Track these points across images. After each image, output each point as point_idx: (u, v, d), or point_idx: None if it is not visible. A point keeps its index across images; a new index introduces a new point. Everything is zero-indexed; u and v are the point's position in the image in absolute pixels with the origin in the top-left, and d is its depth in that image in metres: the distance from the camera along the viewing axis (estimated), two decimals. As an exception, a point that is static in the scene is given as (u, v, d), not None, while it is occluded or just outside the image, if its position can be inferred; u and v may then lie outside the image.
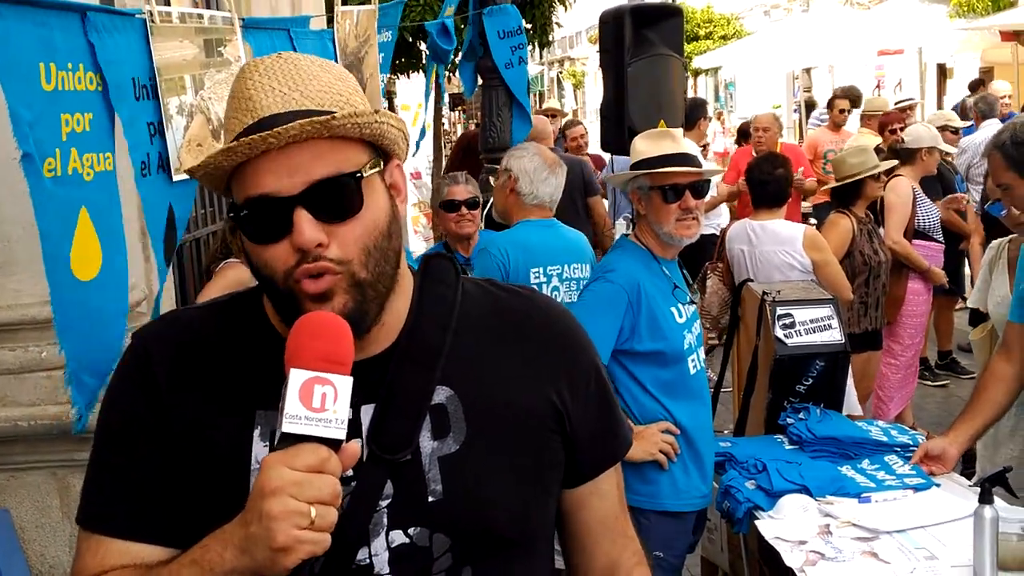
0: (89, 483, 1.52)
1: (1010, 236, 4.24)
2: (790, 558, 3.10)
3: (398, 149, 1.51)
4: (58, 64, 2.46)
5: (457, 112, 20.96)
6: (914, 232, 6.68)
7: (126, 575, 1.42)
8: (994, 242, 4.23)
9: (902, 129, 8.50)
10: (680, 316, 3.62)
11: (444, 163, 12.76)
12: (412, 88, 12.11)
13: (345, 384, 1.29)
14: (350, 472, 1.39)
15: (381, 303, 1.45)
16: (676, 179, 3.55)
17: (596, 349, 1.71)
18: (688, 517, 3.67)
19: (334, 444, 1.27)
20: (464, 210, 5.04)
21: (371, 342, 1.48)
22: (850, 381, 4.89)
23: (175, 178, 3.03)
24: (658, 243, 3.64)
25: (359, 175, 1.40)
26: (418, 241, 13.13)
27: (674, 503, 3.59)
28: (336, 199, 1.38)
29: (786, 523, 3.37)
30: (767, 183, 5.63)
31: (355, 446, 1.32)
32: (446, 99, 20.04)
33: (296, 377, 1.27)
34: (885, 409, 6.44)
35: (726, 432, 5.00)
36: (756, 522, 3.47)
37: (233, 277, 3.59)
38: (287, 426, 1.26)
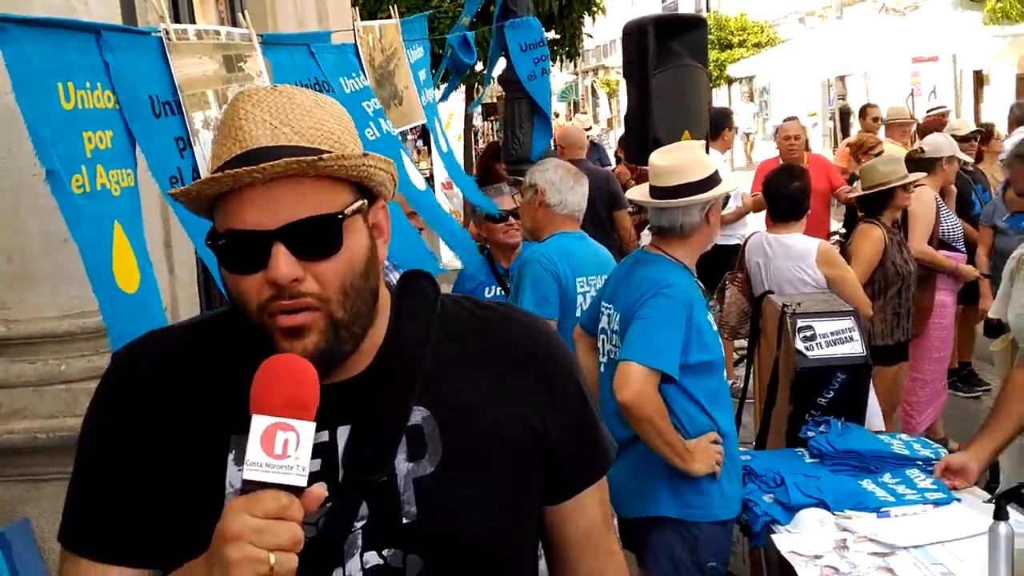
0: (70, 503, 1.54)
1: None
2: (805, 572, 3.09)
3: (384, 191, 1.51)
4: (76, 83, 2.48)
5: (490, 122, 21.02)
6: (938, 243, 6.62)
7: None
8: (1016, 252, 4.17)
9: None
10: (714, 325, 3.67)
11: (473, 173, 12.81)
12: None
13: (307, 430, 1.29)
14: (326, 493, 1.39)
15: (355, 343, 1.45)
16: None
17: (579, 365, 1.70)
18: (731, 523, 3.70)
19: (296, 490, 1.28)
20: (512, 219, 5.13)
21: (348, 364, 1.48)
22: (872, 396, 4.86)
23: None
24: (693, 254, 3.72)
25: (340, 216, 1.40)
26: (450, 252, 13.12)
27: (724, 511, 3.61)
28: (315, 238, 1.38)
29: (802, 537, 3.36)
30: (781, 197, 5.57)
31: (320, 490, 1.31)
32: (479, 109, 20.09)
33: (258, 424, 1.27)
34: (913, 423, 6.38)
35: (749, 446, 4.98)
36: (773, 536, 3.46)
37: None
38: (248, 473, 1.26)
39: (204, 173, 3.09)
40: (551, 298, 4.38)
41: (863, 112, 11.28)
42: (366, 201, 1.46)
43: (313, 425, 1.30)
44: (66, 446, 3.20)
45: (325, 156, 1.36)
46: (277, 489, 1.26)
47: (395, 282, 1.64)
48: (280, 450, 1.27)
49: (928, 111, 11.53)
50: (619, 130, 22.52)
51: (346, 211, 1.41)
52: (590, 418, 1.67)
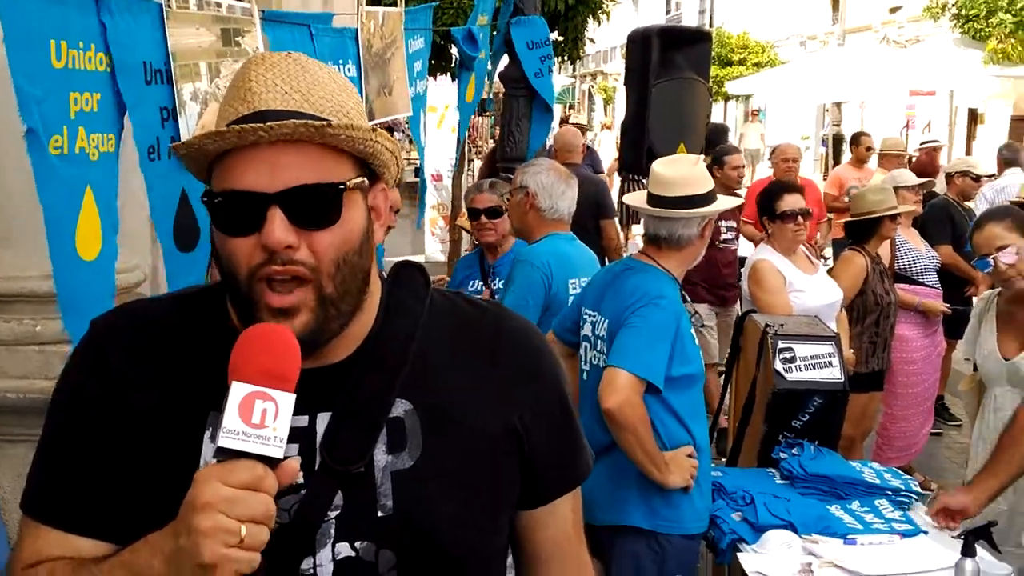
0: (35, 469, 1.50)
1: (999, 289, 4.20)
2: (768, 594, 3.08)
3: (387, 173, 1.49)
4: (69, 42, 2.44)
5: (484, 117, 20.96)
6: (894, 275, 6.49)
7: (60, 567, 1.40)
8: (984, 293, 4.18)
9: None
10: (695, 338, 3.65)
11: (466, 167, 12.77)
12: (439, 90, 12.13)
13: (287, 401, 1.26)
14: (301, 479, 1.37)
15: (343, 322, 1.43)
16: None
17: (564, 373, 1.68)
18: (699, 538, 3.70)
19: (272, 462, 1.24)
20: (483, 219, 5.11)
21: (333, 349, 1.45)
22: None
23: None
24: (682, 268, 3.72)
25: (342, 187, 1.38)
26: (434, 243, 13.10)
27: (693, 525, 3.61)
28: (313, 206, 1.36)
29: (768, 558, 3.35)
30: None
31: (294, 464, 1.29)
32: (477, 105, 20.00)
33: (237, 391, 1.24)
34: (883, 457, 6.33)
35: (722, 460, 4.97)
36: (739, 554, 3.45)
37: None
38: (223, 440, 1.23)
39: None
40: (532, 302, 4.36)
41: (855, 140, 11.29)
42: (367, 180, 1.44)
43: (293, 397, 1.27)
44: (35, 408, 3.17)
45: (335, 124, 1.34)
46: (253, 459, 1.23)
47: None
48: (258, 419, 1.23)
49: (922, 143, 11.57)
50: (615, 135, 22.50)
51: (348, 183, 1.38)
52: (572, 425, 1.65)
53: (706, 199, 3.66)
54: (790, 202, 5.31)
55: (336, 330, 1.42)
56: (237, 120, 1.37)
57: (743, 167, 8.52)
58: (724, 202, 3.81)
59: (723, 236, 7.68)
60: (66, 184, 2.43)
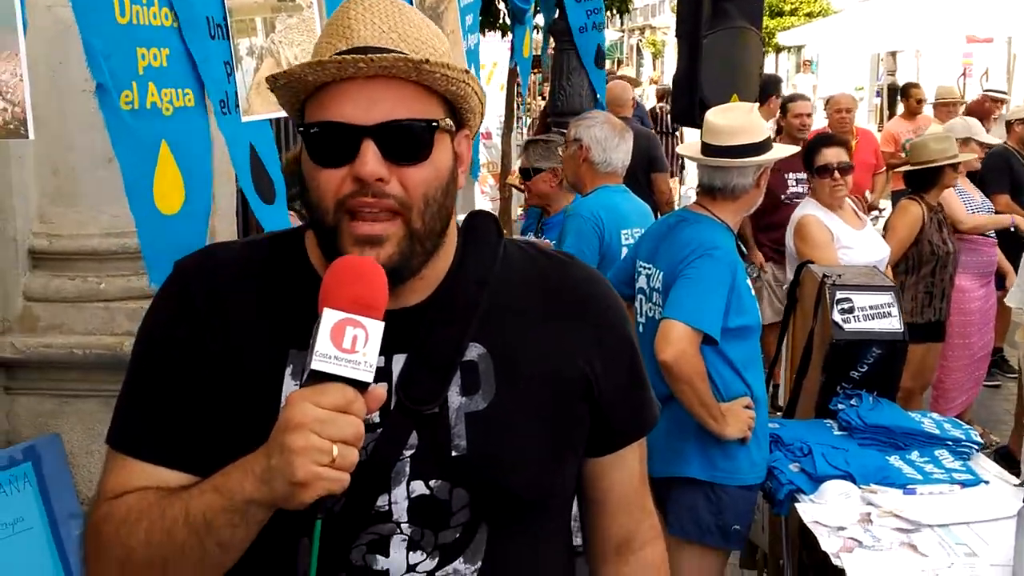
0: (121, 405, 1.54)
1: None
2: (827, 543, 3.08)
3: (473, 121, 1.52)
4: (132, -1, 2.46)
5: (533, 74, 20.83)
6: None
7: (147, 496, 1.44)
8: None
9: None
10: (752, 289, 3.65)
11: (515, 125, 12.72)
12: (487, 47, 12.09)
13: (376, 329, 1.29)
14: (377, 419, 1.41)
15: (425, 259, 1.46)
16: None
17: (630, 321, 1.70)
18: (756, 489, 3.71)
19: (361, 386, 1.28)
20: (523, 180, 5.33)
21: (409, 292, 1.48)
22: None
23: (243, 119, 3.04)
24: (736, 218, 3.71)
25: (435, 124, 1.41)
26: (485, 201, 13.13)
27: (751, 476, 3.63)
28: (407, 141, 1.39)
29: (827, 508, 3.35)
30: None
31: (381, 390, 1.33)
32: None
33: (329, 317, 1.28)
34: (940, 410, 6.27)
35: (777, 414, 4.95)
36: (797, 505, 3.45)
37: None
38: (316, 364, 1.27)
39: (242, 101, 3.07)
40: (588, 251, 4.37)
41: (905, 92, 11.07)
42: (454, 125, 1.47)
43: (382, 325, 1.30)
44: (101, 363, 3.24)
45: (432, 61, 1.37)
46: (343, 383, 1.27)
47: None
48: (349, 344, 1.27)
49: (986, 91, 11.29)
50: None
51: (440, 122, 1.42)
52: (640, 374, 1.67)
53: (760, 147, 3.62)
54: (827, 156, 5.24)
55: (417, 267, 1.45)
56: (336, 55, 1.40)
57: (807, 115, 8.13)
58: (780, 151, 3.77)
59: (790, 190, 7.26)
60: (139, 139, 2.45)
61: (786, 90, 12.86)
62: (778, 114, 8.88)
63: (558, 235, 4.68)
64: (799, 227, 5.20)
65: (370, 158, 1.37)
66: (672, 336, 3.37)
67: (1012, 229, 6.54)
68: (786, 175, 7.08)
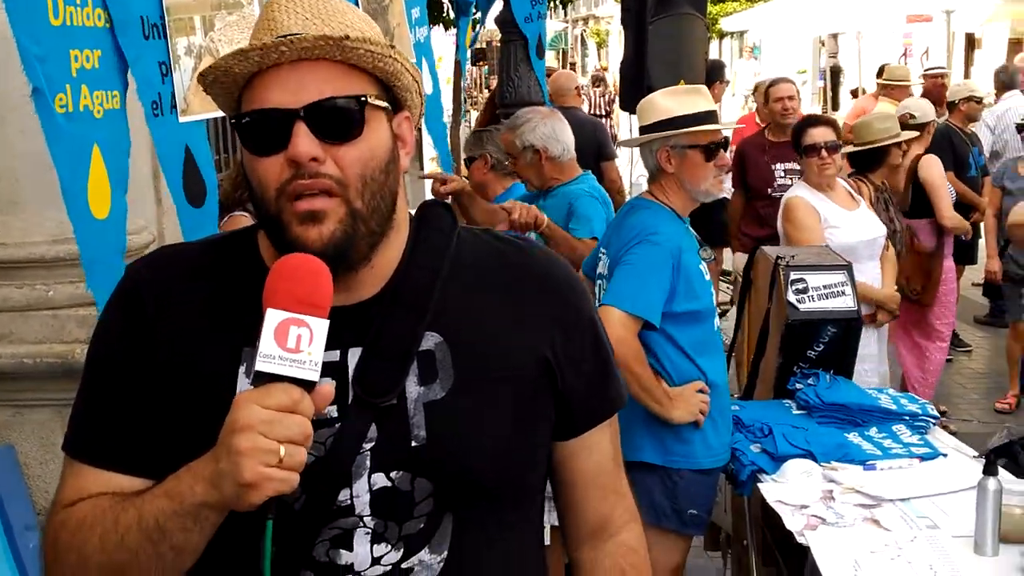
0: (75, 412, 1.54)
1: None
2: (791, 521, 3.10)
3: (410, 100, 1.51)
4: (66, -1, 2.42)
5: (478, 67, 20.83)
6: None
7: (101, 503, 1.43)
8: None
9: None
10: (706, 273, 3.65)
11: (462, 118, 12.69)
12: (432, 41, 12.06)
13: (321, 327, 1.29)
14: (335, 413, 1.41)
15: (372, 243, 1.45)
16: (715, 136, 3.62)
17: (592, 303, 1.69)
18: (715, 472, 3.72)
19: (308, 385, 1.28)
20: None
21: (361, 285, 1.48)
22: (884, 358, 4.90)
23: (181, 120, 3.00)
24: (682, 202, 3.66)
25: (363, 99, 1.41)
26: (429, 195, 13.09)
27: (708, 460, 3.63)
28: (337, 119, 1.39)
29: (789, 487, 3.37)
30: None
31: (328, 387, 1.32)
32: (468, 54, 19.88)
33: (272, 317, 1.28)
34: (921, 391, 6.35)
35: (734, 396, 4.98)
36: (759, 485, 3.47)
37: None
38: (260, 365, 1.26)
39: (180, 101, 3.03)
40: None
41: (880, 72, 10.98)
42: (390, 105, 1.47)
43: (327, 323, 1.30)
44: (52, 372, 3.19)
45: (352, 36, 1.37)
46: (289, 383, 1.26)
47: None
48: (293, 344, 1.27)
49: (925, 70, 11.42)
50: (610, 79, 22.34)
51: (368, 97, 1.42)
52: (603, 355, 1.65)
53: (665, 125, 3.55)
54: (815, 135, 5.19)
55: (364, 251, 1.44)
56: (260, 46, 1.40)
57: (788, 98, 7.41)
58: (696, 129, 3.56)
59: (778, 182, 6.82)
60: (74, 143, 2.43)
61: (728, 76, 12.83)
62: (761, 102, 8.44)
63: (570, 216, 4.53)
64: (786, 209, 5.20)
65: (302, 139, 1.37)
66: (608, 322, 3.34)
67: (964, 238, 6.78)
68: (775, 165, 6.94)
